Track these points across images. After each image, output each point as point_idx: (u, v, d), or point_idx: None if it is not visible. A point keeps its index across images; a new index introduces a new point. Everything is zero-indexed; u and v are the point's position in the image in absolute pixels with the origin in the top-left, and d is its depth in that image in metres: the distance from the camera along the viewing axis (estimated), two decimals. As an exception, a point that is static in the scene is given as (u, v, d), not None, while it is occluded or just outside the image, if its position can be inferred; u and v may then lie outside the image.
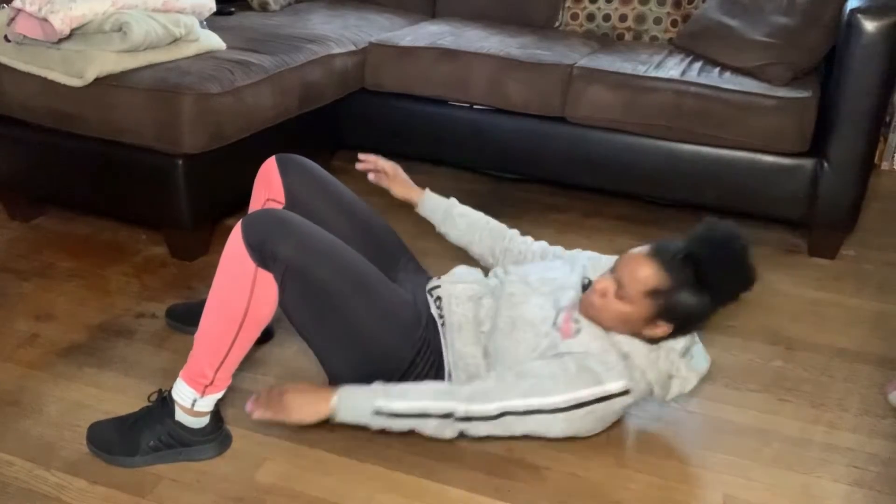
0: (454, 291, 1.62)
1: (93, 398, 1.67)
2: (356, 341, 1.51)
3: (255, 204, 1.77)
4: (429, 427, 1.45)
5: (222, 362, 1.48)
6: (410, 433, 1.58)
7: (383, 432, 1.58)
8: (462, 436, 1.47)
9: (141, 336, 1.90)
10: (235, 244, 1.44)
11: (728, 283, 1.46)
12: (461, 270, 1.72)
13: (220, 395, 1.52)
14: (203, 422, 1.51)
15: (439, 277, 1.70)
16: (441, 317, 1.60)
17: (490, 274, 1.72)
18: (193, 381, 1.49)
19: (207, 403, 1.51)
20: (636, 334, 1.51)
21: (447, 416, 1.44)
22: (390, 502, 1.43)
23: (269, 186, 1.75)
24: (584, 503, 1.45)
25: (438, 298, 1.63)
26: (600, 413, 1.48)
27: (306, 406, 1.46)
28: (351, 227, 1.71)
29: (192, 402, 1.49)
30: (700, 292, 1.44)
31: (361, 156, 1.87)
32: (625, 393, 1.47)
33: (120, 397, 1.67)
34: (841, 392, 1.79)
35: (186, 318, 1.85)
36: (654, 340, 1.51)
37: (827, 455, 1.59)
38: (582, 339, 1.50)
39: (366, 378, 1.53)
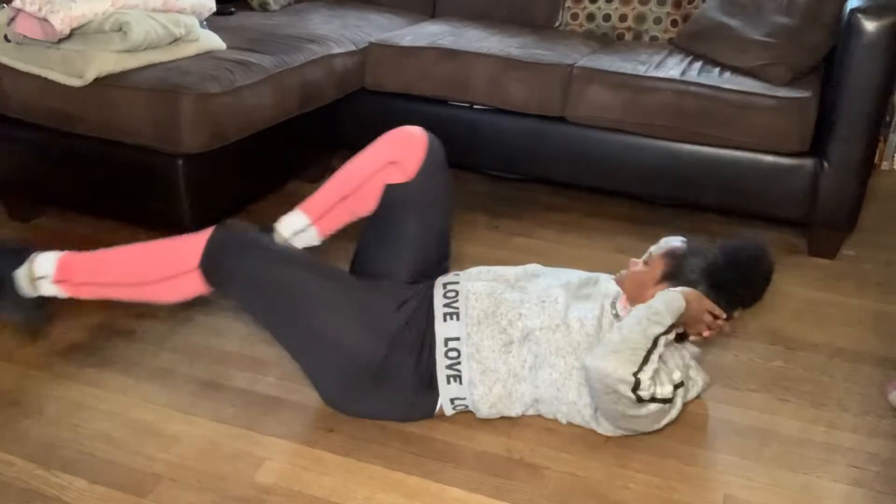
0: (472, 288, 1.63)
1: (93, 398, 1.67)
2: (319, 347, 1.56)
3: (373, 161, 1.72)
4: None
5: (95, 284, 1.61)
6: (408, 433, 1.59)
7: (383, 432, 1.58)
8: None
9: (141, 336, 1.90)
10: (198, 241, 1.56)
11: (733, 280, 1.61)
12: (479, 268, 1.74)
13: (62, 294, 1.64)
14: (30, 294, 1.63)
15: (457, 273, 1.72)
16: (452, 307, 1.61)
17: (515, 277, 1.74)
18: (64, 267, 1.61)
19: (49, 290, 1.62)
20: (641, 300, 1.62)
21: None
22: (390, 502, 1.43)
23: (407, 153, 1.69)
24: (584, 503, 1.45)
25: (454, 293, 1.63)
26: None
27: None
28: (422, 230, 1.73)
29: (40, 276, 1.61)
30: (707, 280, 1.60)
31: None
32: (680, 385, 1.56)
33: (120, 397, 1.67)
34: (841, 392, 1.79)
35: None
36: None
37: (827, 455, 1.59)
38: None
39: (341, 374, 1.57)
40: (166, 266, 1.58)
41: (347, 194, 1.73)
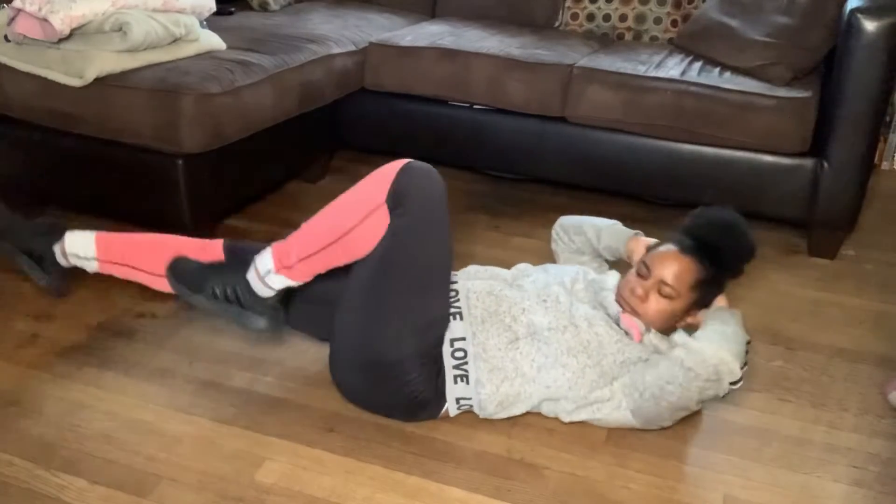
0: (473, 287, 1.64)
1: (93, 398, 1.67)
2: (387, 323, 1.53)
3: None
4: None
5: (306, 258, 1.53)
6: (409, 433, 1.59)
7: (383, 432, 1.58)
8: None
9: (141, 336, 1.90)
10: (386, 175, 1.49)
11: (738, 258, 1.66)
12: (475, 267, 1.74)
13: (291, 282, 1.56)
14: (267, 293, 1.57)
15: (455, 273, 1.71)
16: (454, 307, 1.61)
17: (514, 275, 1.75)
18: (278, 256, 1.55)
19: (278, 281, 1.56)
20: (671, 329, 1.65)
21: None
22: (390, 502, 1.43)
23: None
24: (584, 503, 1.45)
25: (454, 292, 1.64)
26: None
27: None
28: None
29: (265, 272, 1.55)
30: (720, 274, 1.64)
31: None
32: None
33: (120, 397, 1.67)
34: (841, 392, 1.79)
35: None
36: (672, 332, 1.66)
37: (827, 455, 1.59)
38: (651, 338, 1.62)
39: (363, 364, 1.56)
40: (360, 202, 1.51)
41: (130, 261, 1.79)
